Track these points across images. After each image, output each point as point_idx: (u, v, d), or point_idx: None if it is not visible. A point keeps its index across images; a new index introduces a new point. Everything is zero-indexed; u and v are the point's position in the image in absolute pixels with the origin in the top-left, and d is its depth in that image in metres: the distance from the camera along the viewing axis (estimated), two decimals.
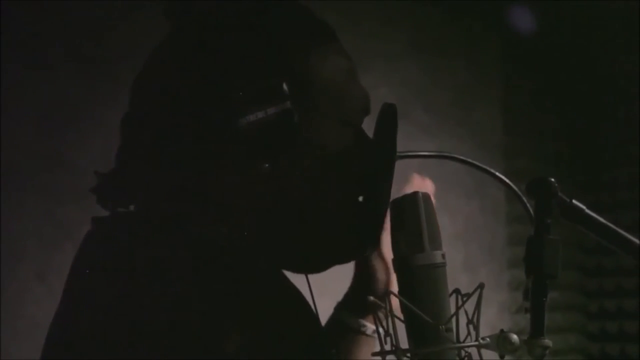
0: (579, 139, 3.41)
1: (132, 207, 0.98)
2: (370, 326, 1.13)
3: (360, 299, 1.12)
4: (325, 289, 1.13)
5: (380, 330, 0.87)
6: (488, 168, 1.12)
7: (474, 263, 3.01)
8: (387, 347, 0.88)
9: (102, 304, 0.86)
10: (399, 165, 1.13)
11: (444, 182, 2.87)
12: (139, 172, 0.95)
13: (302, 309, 1.00)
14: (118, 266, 0.88)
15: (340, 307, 1.15)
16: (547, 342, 0.93)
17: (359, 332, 1.12)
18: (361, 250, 1.00)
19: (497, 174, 1.14)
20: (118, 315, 0.85)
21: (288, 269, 1.02)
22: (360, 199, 0.99)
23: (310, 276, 1.04)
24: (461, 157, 1.12)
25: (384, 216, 0.96)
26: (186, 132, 0.92)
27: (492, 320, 2.91)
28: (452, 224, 2.96)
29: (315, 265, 1.00)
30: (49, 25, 2.04)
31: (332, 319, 1.16)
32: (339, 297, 1.18)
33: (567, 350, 3.37)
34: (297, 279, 1.03)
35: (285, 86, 0.90)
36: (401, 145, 0.97)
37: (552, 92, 3.34)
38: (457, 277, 3.19)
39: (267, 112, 0.89)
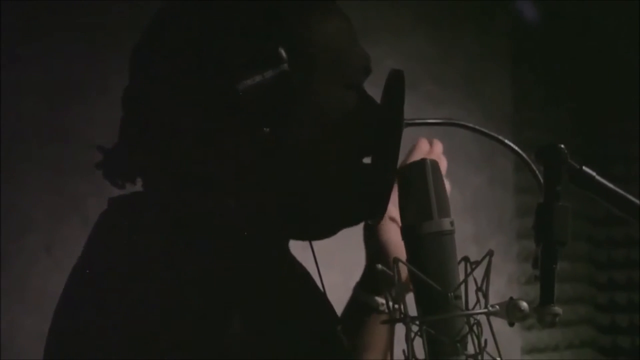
0: (589, 111, 3.39)
1: (138, 181, 0.98)
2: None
3: (376, 278, 1.11)
4: (333, 262, 1.13)
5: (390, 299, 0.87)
6: (496, 135, 1.11)
7: (483, 235, 3.00)
8: (396, 315, 0.88)
9: (115, 286, 0.86)
10: (408, 134, 1.12)
11: (451, 153, 2.85)
12: (142, 145, 0.95)
13: (309, 287, 1.00)
14: (131, 248, 0.88)
15: (358, 287, 1.15)
16: (557, 309, 0.92)
17: (378, 310, 1.12)
18: (368, 213, 0.99)
19: (506, 141, 1.13)
20: (130, 299, 0.84)
21: (295, 237, 1.01)
22: (367, 163, 0.98)
23: (317, 249, 1.03)
24: (469, 125, 1.11)
25: (391, 181, 0.95)
26: (185, 101, 0.92)
27: (501, 290, 2.90)
28: (461, 195, 2.95)
29: (321, 230, 0.99)
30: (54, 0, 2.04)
31: (351, 299, 1.16)
32: (346, 270, 1.17)
33: (577, 321, 3.36)
34: (304, 256, 1.02)
35: (281, 49, 0.90)
36: (410, 116, 0.97)
37: (562, 64, 3.31)
38: (466, 249, 3.17)
39: (265, 76, 0.89)
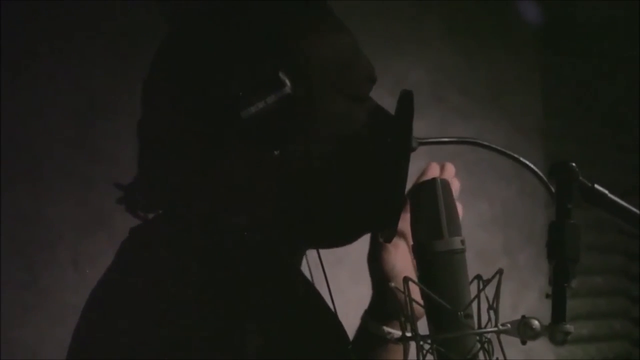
0: (621, 120, 3.36)
1: (160, 211, 1.00)
2: (396, 333, 1.10)
3: (384, 307, 1.12)
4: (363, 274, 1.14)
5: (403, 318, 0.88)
6: (511, 153, 1.11)
7: (513, 247, 2.98)
8: (408, 334, 0.88)
9: (133, 316, 0.88)
10: (431, 149, 1.13)
11: (480, 166, 2.87)
12: (159, 178, 0.97)
13: (320, 307, 1.01)
14: (151, 272, 0.91)
15: (365, 316, 1.14)
16: (569, 327, 0.92)
17: (386, 339, 1.11)
18: (381, 223, 1.00)
19: (521, 159, 1.13)
20: (149, 327, 0.86)
21: (311, 246, 1.04)
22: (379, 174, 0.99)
23: (347, 262, 1.04)
24: (483, 142, 1.11)
25: (401, 196, 0.97)
26: (195, 131, 0.94)
27: (532, 305, 2.88)
28: (491, 208, 2.94)
29: (336, 239, 1.01)
30: (82, 12, 2.07)
31: (360, 328, 1.15)
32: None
33: (612, 336, 3.33)
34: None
35: (282, 73, 0.91)
36: (436, 129, 0.98)
37: (593, 73, 3.29)
38: (496, 262, 3.16)
39: (267, 102, 0.91)
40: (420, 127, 0.97)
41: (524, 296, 2.92)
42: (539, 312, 0.92)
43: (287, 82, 0.91)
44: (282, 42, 0.94)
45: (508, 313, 0.91)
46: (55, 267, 1.99)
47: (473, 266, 0.93)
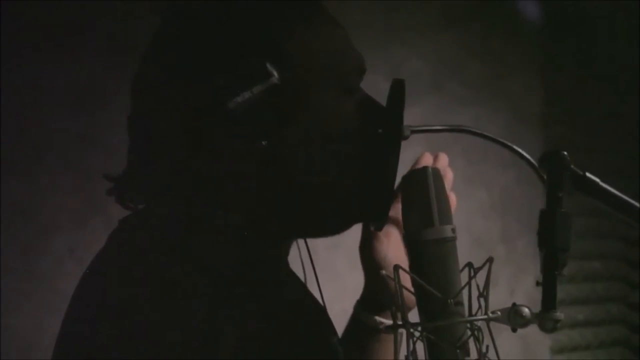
0: (622, 107, 3.36)
1: (150, 204, 1.00)
2: (388, 322, 1.10)
3: (375, 297, 1.12)
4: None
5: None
6: (503, 140, 1.12)
7: (511, 234, 2.99)
8: (399, 322, 0.89)
9: (116, 309, 0.86)
10: (428, 137, 1.13)
11: (478, 153, 2.87)
12: (148, 170, 0.97)
13: (307, 299, 1.02)
14: (138, 265, 0.89)
15: (358, 305, 1.15)
16: (559, 315, 0.92)
17: (378, 329, 1.12)
18: (371, 213, 1.00)
19: (515, 147, 1.14)
20: (131, 320, 0.85)
21: (301, 235, 1.04)
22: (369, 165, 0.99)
23: (344, 251, 1.04)
24: (473, 130, 1.11)
25: (391, 186, 0.97)
26: (182, 122, 0.94)
27: (529, 289, 2.89)
28: (489, 195, 2.94)
29: (324, 230, 1.01)
30: (77, 5, 2.07)
31: (352, 317, 1.16)
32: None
33: (609, 320, 3.34)
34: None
35: (269, 63, 0.91)
36: (434, 116, 0.98)
37: (593, 60, 3.28)
38: (494, 249, 3.16)
39: (253, 92, 0.90)
40: (417, 114, 0.97)
41: (522, 282, 2.93)
42: (536, 297, 0.93)
43: (275, 72, 0.91)
44: (270, 33, 0.93)
45: (506, 298, 0.91)
46: (51, 255, 2.00)
47: (471, 253, 0.93)
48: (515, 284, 2.89)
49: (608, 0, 3.22)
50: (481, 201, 2.90)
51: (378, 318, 1.11)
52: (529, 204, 3.02)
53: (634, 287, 3.39)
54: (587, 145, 3.18)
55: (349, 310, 1.16)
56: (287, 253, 1.04)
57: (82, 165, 2.03)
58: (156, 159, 0.97)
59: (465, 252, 0.92)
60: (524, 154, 1.11)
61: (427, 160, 1.16)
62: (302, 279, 1.08)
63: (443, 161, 1.17)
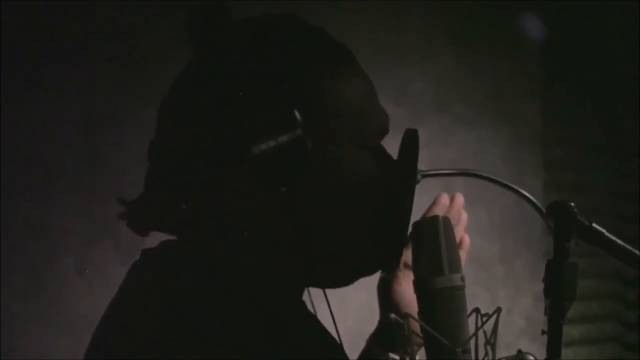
0: (619, 128, 3.38)
1: (162, 232, 1.02)
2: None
3: (389, 334, 1.14)
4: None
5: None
6: (512, 185, 1.15)
7: (510, 254, 3.01)
8: None
9: (145, 333, 0.89)
10: (432, 157, 1.16)
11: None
12: (166, 200, 0.99)
13: (323, 335, 1.04)
14: (161, 296, 0.91)
15: (371, 340, 1.17)
16: None
17: None
18: (382, 264, 1.03)
19: (522, 190, 1.16)
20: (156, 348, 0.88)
21: (313, 285, 1.06)
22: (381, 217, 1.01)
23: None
24: (484, 175, 1.14)
25: (404, 232, 0.98)
26: (206, 160, 0.96)
27: (527, 310, 2.91)
28: (489, 215, 2.96)
29: (338, 279, 1.03)
30: (87, 27, 2.08)
31: (364, 351, 1.18)
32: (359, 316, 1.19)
33: (604, 339, 3.36)
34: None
35: (296, 114, 0.92)
36: (439, 138, 1.00)
37: (592, 83, 3.31)
38: (492, 268, 3.16)
39: (278, 140, 0.92)
40: (421, 135, 0.99)
41: (519, 301, 2.95)
42: (534, 317, 0.95)
43: (301, 123, 0.92)
44: (301, 84, 0.94)
45: (503, 318, 0.94)
46: (60, 277, 2.01)
47: (470, 272, 0.96)
48: (513, 304, 2.92)
49: (608, 23, 3.25)
50: (480, 221, 2.92)
51: (391, 355, 1.14)
52: (528, 224, 3.05)
53: (630, 306, 3.41)
54: (587, 166, 3.21)
55: (351, 329, 1.18)
56: (301, 294, 1.06)
57: (92, 186, 2.04)
58: (174, 191, 0.98)
59: (463, 271, 0.95)
60: (533, 199, 1.14)
61: (444, 200, 1.18)
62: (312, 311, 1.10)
63: (459, 203, 1.19)
